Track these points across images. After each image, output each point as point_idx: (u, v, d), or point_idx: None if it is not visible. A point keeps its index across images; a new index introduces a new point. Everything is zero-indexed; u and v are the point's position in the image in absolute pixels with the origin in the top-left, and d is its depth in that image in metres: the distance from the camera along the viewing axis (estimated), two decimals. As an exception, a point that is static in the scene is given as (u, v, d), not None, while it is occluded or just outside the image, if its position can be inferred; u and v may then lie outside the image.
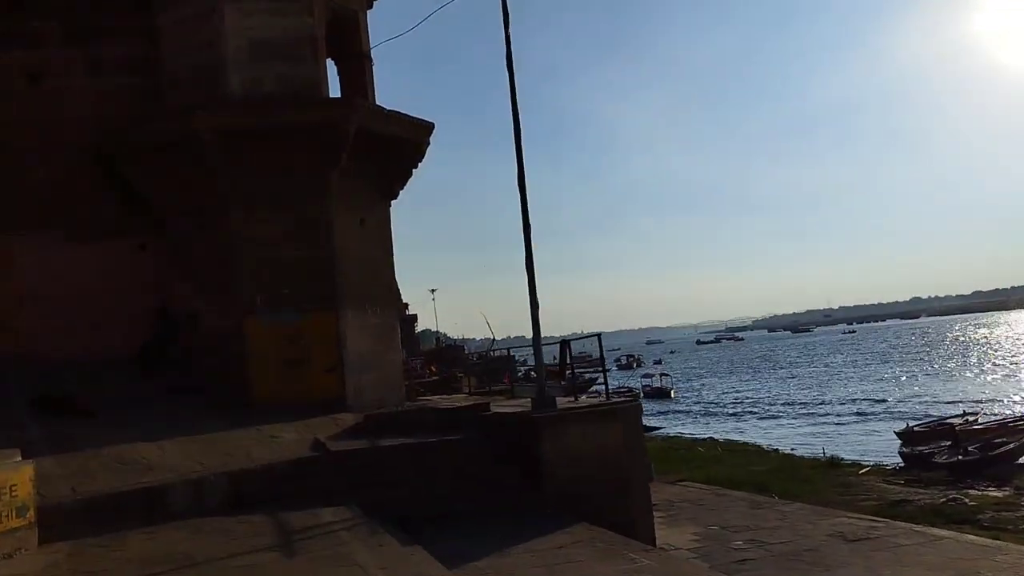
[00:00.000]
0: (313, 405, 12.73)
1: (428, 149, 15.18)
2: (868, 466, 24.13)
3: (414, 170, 15.26)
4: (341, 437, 11.72)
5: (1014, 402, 44.33)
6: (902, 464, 24.30)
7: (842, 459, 25.58)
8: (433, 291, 79.17)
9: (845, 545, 10.34)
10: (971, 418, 29.67)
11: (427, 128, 14.85)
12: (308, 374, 13.35)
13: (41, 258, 14.01)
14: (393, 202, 15.61)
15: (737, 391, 66.24)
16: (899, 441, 28.09)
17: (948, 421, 29.31)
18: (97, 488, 9.04)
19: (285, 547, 7.42)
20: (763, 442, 34.34)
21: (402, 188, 15.54)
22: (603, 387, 12.41)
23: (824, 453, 27.21)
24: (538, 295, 11.54)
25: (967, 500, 17.56)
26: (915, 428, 29.32)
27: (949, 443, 24.34)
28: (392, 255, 15.17)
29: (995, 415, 33.00)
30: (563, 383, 14.04)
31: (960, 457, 21.85)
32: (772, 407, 52.50)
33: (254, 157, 13.30)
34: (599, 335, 11.76)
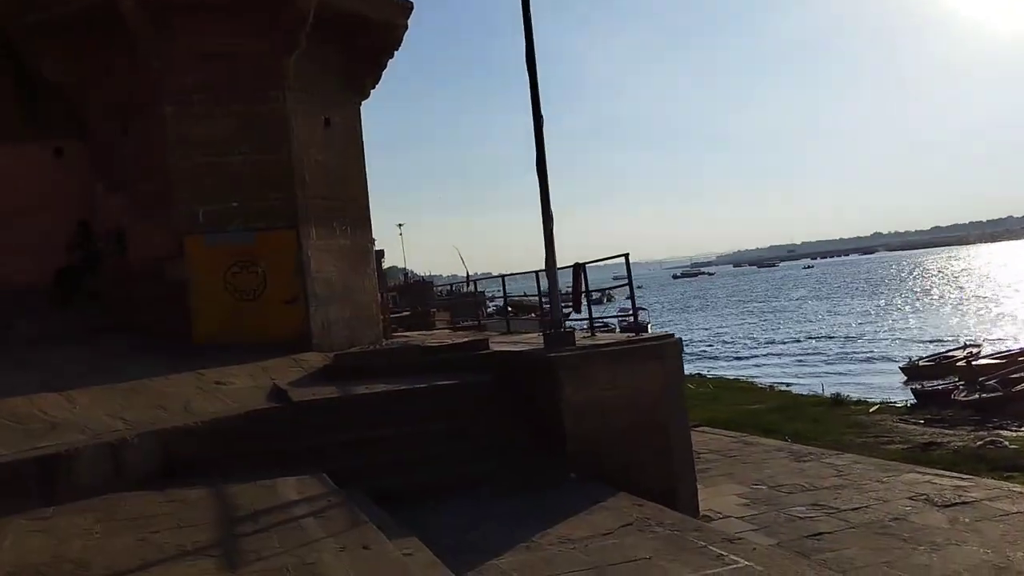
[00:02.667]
0: (271, 344, 10.42)
1: (405, 36, 12.56)
2: (876, 404, 22.39)
3: (389, 61, 12.69)
4: (306, 383, 9.45)
5: (996, 335, 43.08)
6: (914, 401, 22.59)
7: (847, 396, 23.81)
8: (400, 226, 76.48)
9: (939, 512, 8.35)
10: (973, 351, 28.11)
11: (404, 7, 12.23)
12: (264, 306, 10.97)
13: (-71, 165, 11.33)
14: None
15: (714, 326, 64.85)
16: (902, 377, 26.50)
17: (951, 355, 27.74)
18: (-24, 457, 6.68)
19: (225, 549, 5.15)
20: (752, 378, 32.68)
21: (374, 85, 12.99)
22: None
23: (823, 390, 25.52)
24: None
25: (1007, 443, 15.80)
26: (920, 362, 27.73)
27: (958, 378, 22.73)
28: (364, 164, 12.69)
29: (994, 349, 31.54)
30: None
31: (981, 394, 20.12)
32: (752, 341, 51.10)
33: (191, 37, 10.69)
34: (626, 255, 9.51)
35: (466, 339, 11.05)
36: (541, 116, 9.06)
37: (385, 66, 12.68)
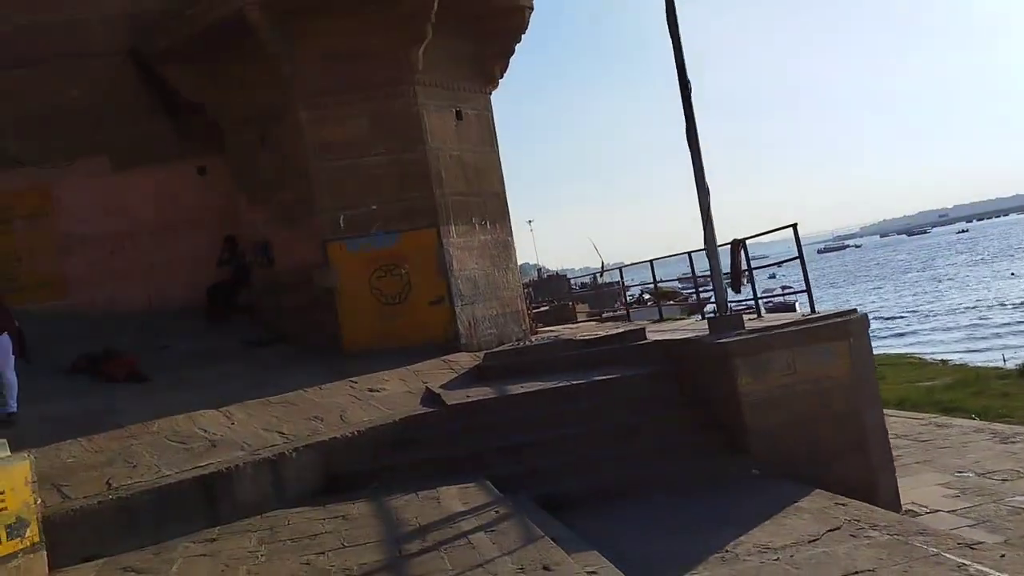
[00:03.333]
0: (419, 346, 10.17)
1: (531, 17, 12.02)
2: (1072, 374, 20.14)
3: (516, 45, 12.18)
4: (458, 385, 9.07)
5: None
6: (1118, 369, 20.22)
7: (1037, 367, 21.51)
8: (531, 222, 76.39)
9: None
10: None
11: (528, -11, 11.68)
12: (410, 308, 10.71)
13: (84, 193, 11.69)
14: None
15: (868, 301, 61.24)
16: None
17: None
18: (140, 478, 6.60)
19: (393, 572, 4.75)
20: (918, 354, 30.26)
21: (503, 73, 12.49)
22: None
23: (1004, 361, 23.26)
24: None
25: None
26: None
27: None
28: (498, 155, 12.24)
29: None
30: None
31: None
32: (913, 315, 47.79)
33: (318, 39, 10.53)
34: (794, 225, 8.63)
35: (620, 330, 10.41)
36: (688, 82, 8.31)
37: (513, 51, 12.19)
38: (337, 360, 9.88)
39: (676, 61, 8.33)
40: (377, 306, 10.62)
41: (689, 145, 8.35)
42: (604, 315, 18.16)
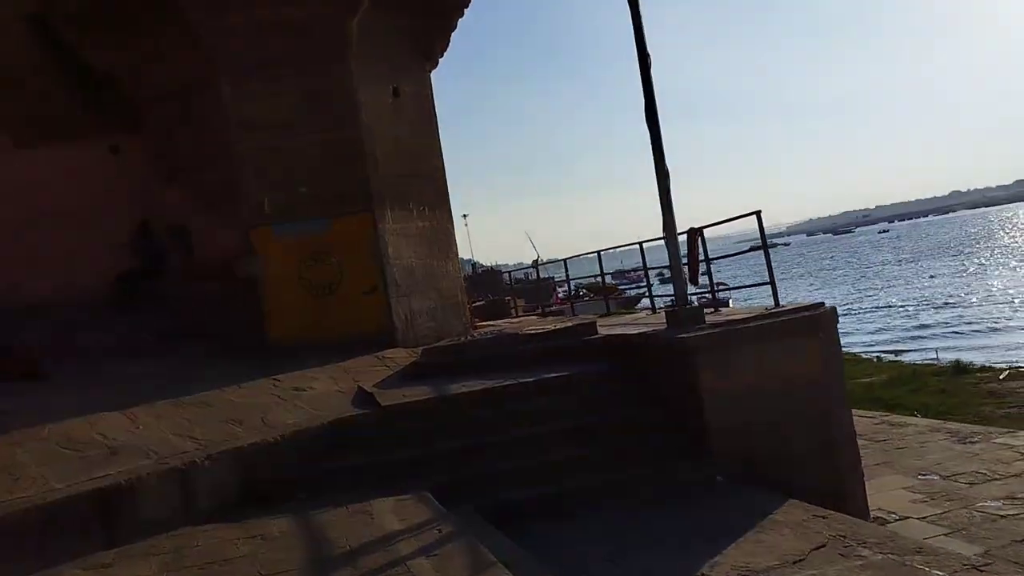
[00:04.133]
0: (351, 341, 9.35)
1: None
2: (1005, 369, 20.31)
3: (459, 20, 11.45)
4: (394, 384, 8.31)
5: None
6: (1049, 364, 20.43)
7: (969, 364, 21.68)
8: (465, 216, 75.68)
9: None
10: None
11: (474, -43, 10.97)
12: (342, 300, 9.88)
13: (-21, 172, 10.55)
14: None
15: (799, 297, 62.20)
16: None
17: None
18: (24, 493, 5.68)
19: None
20: (853, 352, 30.44)
21: (443, 51, 11.76)
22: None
23: (937, 356, 23.45)
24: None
25: None
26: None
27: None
28: (438, 137, 11.47)
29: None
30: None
31: None
32: (846, 312, 48.56)
33: (245, 6, 9.61)
34: (758, 212, 8.10)
35: (568, 324, 9.76)
36: (648, 55, 7.68)
37: (455, 27, 11.45)
38: (260, 356, 9.01)
39: (635, 31, 7.69)
40: (306, 298, 9.78)
41: (648, 124, 7.72)
42: (544, 310, 17.53)
